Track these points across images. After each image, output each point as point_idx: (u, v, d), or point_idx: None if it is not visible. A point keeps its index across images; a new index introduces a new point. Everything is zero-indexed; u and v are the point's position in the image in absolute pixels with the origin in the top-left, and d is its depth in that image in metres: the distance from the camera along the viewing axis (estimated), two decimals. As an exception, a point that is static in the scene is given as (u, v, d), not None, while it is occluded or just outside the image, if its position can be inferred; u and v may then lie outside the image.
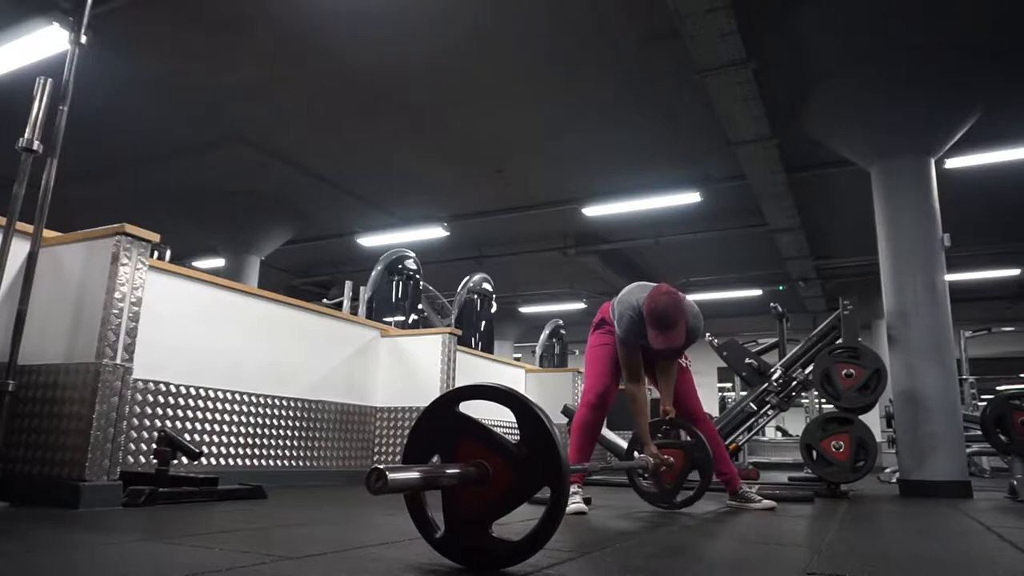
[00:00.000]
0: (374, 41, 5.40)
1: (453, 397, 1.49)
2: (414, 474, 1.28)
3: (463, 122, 6.75)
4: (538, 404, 1.40)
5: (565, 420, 5.08)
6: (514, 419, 1.38)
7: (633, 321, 2.73)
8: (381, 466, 1.18)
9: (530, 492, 1.36)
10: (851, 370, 4.40)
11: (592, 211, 8.45)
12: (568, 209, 8.55)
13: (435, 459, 1.47)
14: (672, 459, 2.94)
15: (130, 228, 2.51)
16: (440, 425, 1.47)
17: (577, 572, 1.40)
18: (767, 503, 3.03)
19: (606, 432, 5.22)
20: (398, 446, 4.40)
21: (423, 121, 6.75)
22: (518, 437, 1.38)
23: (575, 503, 2.62)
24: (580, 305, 13.23)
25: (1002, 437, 4.73)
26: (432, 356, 4.40)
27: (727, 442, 5.02)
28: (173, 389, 3.19)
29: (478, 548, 1.39)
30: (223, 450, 3.43)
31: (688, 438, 3.09)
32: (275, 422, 3.76)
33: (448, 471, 1.35)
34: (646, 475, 3.04)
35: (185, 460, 2.99)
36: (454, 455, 1.42)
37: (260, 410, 3.67)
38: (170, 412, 3.16)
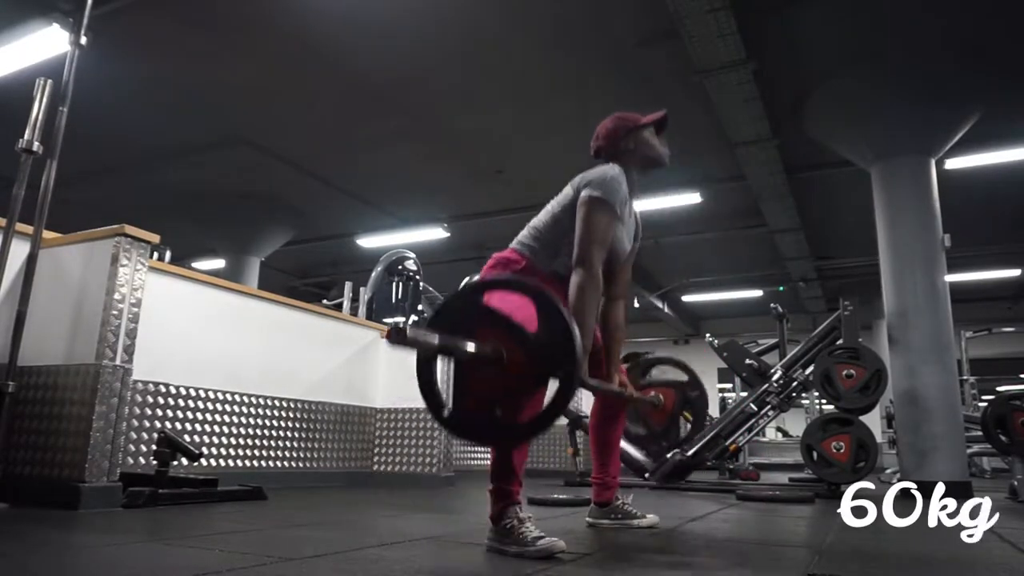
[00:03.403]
0: (374, 42, 5.40)
1: (478, 287, 1.57)
2: (433, 337, 1.37)
3: (463, 122, 6.75)
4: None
5: (565, 421, 5.07)
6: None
7: (617, 180, 2.02)
8: (402, 324, 1.27)
9: (542, 376, 1.44)
10: (851, 371, 4.40)
11: (592, 211, 8.43)
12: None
13: None
14: (662, 397, 2.65)
15: (130, 229, 2.51)
16: (462, 310, 1.55)
17: (575, 573, 1.40)
18: (651, 518, 2.30)
19: (621, 443, 5.21)
20: (398, 447, 4.40)
21: (423, 121, 6.75)
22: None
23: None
24: (580, 305, 13.20)
25: (1003, 438, 4.72)
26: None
27: (727, 443, 5.02)
28: (173, 390, 3.19)
29: (484, 427, 1.47)
30: (223, 451, 3.43)
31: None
32: (275, 423, 3.76)
33: (466, 344, 1.42)
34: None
35: (185, 461, 2.99)
36: (474, 336, 1.47)
37: (260, 411, 3.67)
38: (170, 413, 3.16)
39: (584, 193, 1.99)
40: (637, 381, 2.79)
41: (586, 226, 1.94)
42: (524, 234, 2.11)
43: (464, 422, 1.49)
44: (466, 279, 7.33)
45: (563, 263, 2.00)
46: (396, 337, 1.26)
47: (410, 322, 6.37)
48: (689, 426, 3.07)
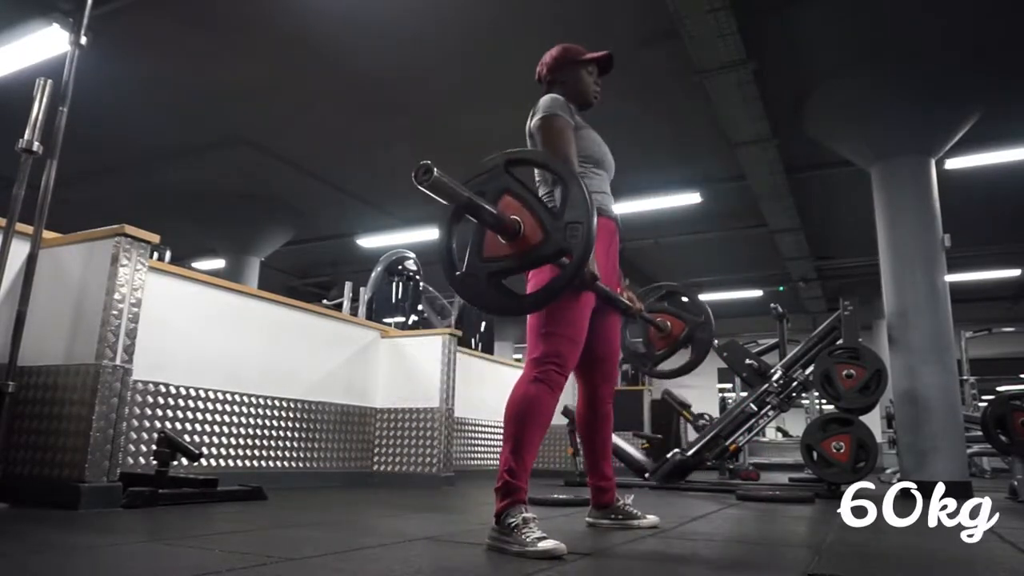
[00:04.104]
0: (374, 42, 5.40)
1: (510, 160, 1.65)
2: (462, 189, 1.49)
3: (463, 122, 6.75)
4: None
5: (566, 421, 5.07)
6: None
7: (553, 98, 2.09)
8: (429, 162, 1.34)
9: (552, 256, 1.53)
10: (851, 371, 4.40)
11: (592, 211, 8.43)
12: (568, 210, 8.53)
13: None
14: (670, 324, 2.62)
15: (130, 229, 2.51)
16: (490, 178, 1.65)
17: (576, 573, 1.40)
18: (652, 519, 2.26)
19: (622, 443, 5.22)
20: (398, 447, 4.40)
21: (423, 121, 6.75)
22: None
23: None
24: (580, 306, 13.21)
25: (1003, 438, 4.72)
26: (432, 357, 4.40)
27: (728, 443, 5.02)
28: (173, 390, 3.19)
29: (491, 293, 1.57)
30: (223, 451, 3.43)
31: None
32: (275, 423, 3.76)
33: (491, 208, 1.53)
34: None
35: (185, 461, 2.99)
36: (494, 207, 1.58)
37: (260, 411, 3.67)
38: (170, 413, 3.16)
39: (533, 123, 2.09)
40: (651, 303, 2.81)
41: (546, 139, 2.02)
42: None
43: (473, 285, 1.59)
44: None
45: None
46: (422, 175, 1.37)
47: (410, 322, 6.38)
48: (689, 427, 3.06)
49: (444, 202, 1.53)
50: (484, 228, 1.60)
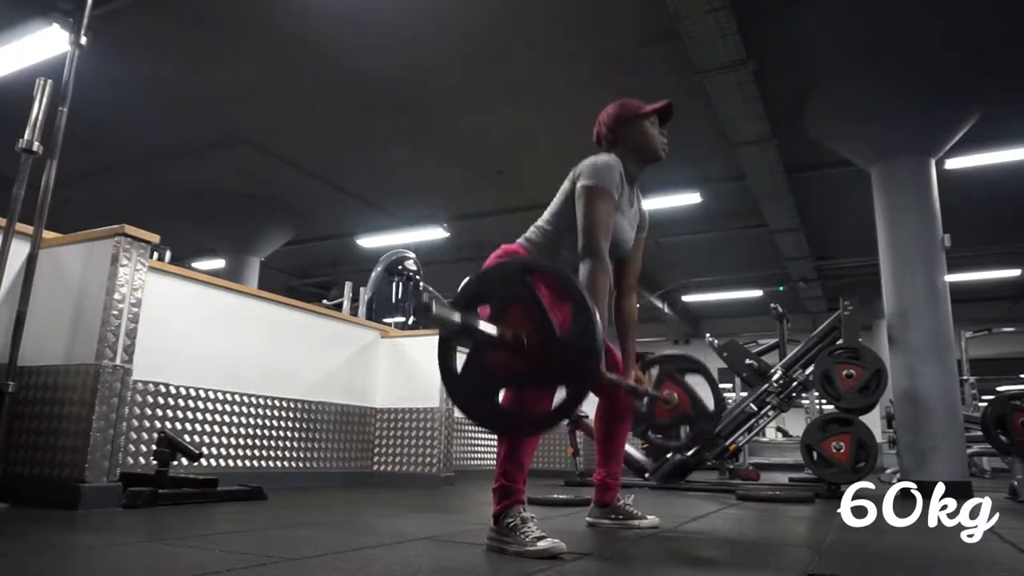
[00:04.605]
0: (374, 42, 5.40)
1: (527, 267, 1.52)
2: (457, 317, 1.38)
3: (463, 123, 6.75)
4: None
5: (565, 421, 5.07)
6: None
7: (610, 166, 2.01)
8: (428, 299, 1.26)
9: (552, 382, 1.44)
10: (852, 371, 4.40)
11: (592, 212, 8.43)
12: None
13: (482, 310, 1.54)
14: (677, 398, 2.55)
15: (130, 229, 2.51)
16: (503, 283, 1.52)
17: (576, 573, 1.40)
18: (652, 519, 2.25)
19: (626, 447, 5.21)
20: (398, 447, 4.40)
21: (423, 122, 6.75)
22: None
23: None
24: (580, 306, 13.21)
25: (1003, 438, 4.72)
26: (432, 357, 4.37)
27: (727, 443, 5.02)
28: (173, 390, 3.19)
29: (488, 411, 1.48)
30: (223, 451, 3.43)
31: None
32: (275, 423, 3.76)
33: (487, 329, 1.43)
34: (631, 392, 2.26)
35: (185, 461, 2.99)
36: (500, 314, 1.48)
37: (260, 411, 3.67)
38: (170, 413, 3.16)
39: (579, 183, 1.99)
40: (664, 370, 2.70)
41: (587, 215, 1.93)
42: (529, 231, 2.12)
43: (470, 401, 1.51)
44: (466, 279, 7.33)
45: (564, 258, 1.99)
46: (422, 314, 1.29)
47: (410, 322, 6.37)
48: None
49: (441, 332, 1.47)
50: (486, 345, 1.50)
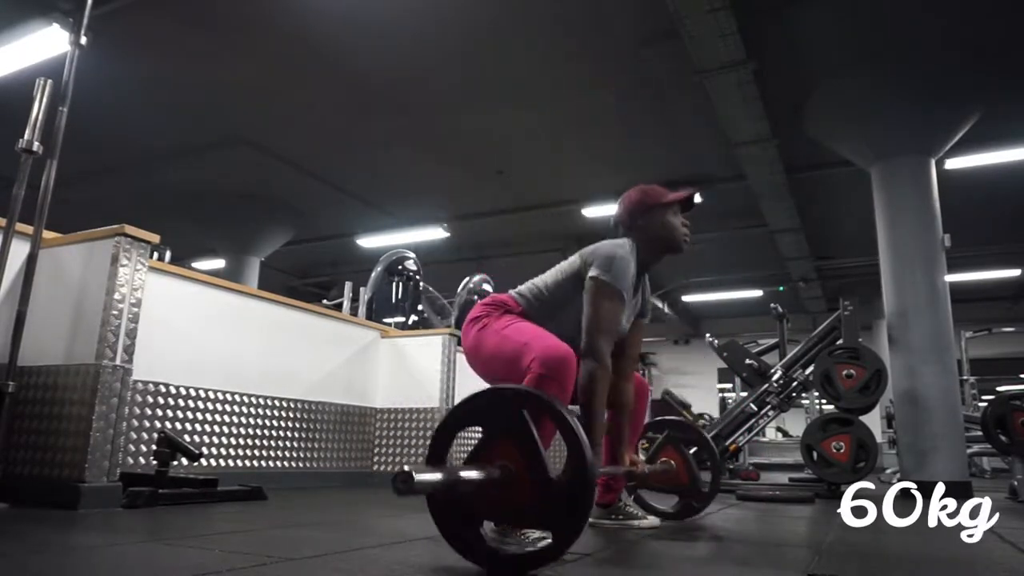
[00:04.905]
0: (374, 42, 5.40)
1: (525, 400, 1.44)
2: (437, 476, 1.27)
3: (463, 123, 6.75)
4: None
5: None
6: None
7: (626, 261, 1.97)
8: (408, 469, 1.18)
9: (537, 525, 1.38)
10: (852, 371, 4.40)
11: (592, 212, 8.45)
12: (568, 210, 8.55)
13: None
14: (673, 463, 2.56)
15: (130, 229, 2.51)
16: (497, 412, 1.45)
17: (576, 573, 1.40)
18: (652, 520, 2.30)
19: None
20: (398, 447, 4.39)
21: (423, 122, 6.75)
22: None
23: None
24: (580, 306, 13.22)
25: (1003, 438, 4.72)
26: (432, 357, 4.40)
27: (727, 443, 5.02)
28: (173, 390, 3.19)
29: (471, 543, 1.41)
30: (223, 451, 3.43)
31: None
32: (275, 423, 3.76)
33: (471, 477, 1.34)
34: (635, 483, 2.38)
35: (185, 461, 2.98)
36: (491, 443, 1.42)
37: (260, 411, 3.67)
38: (170, 413, 3.16)
39: (592, 273, 1.95)
40: (666, 441, 2.70)
41: (594, 313, 1.91)
42: (525, 287, 2.10)
43: (449, 526, 1.45)
44: (466, 279, 7.35)
45: (555, 328, 1.95)
46: (404, 486, 1.17)
47: (410, 322, 6.37)
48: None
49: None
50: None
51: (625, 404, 2.18)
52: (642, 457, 2.45)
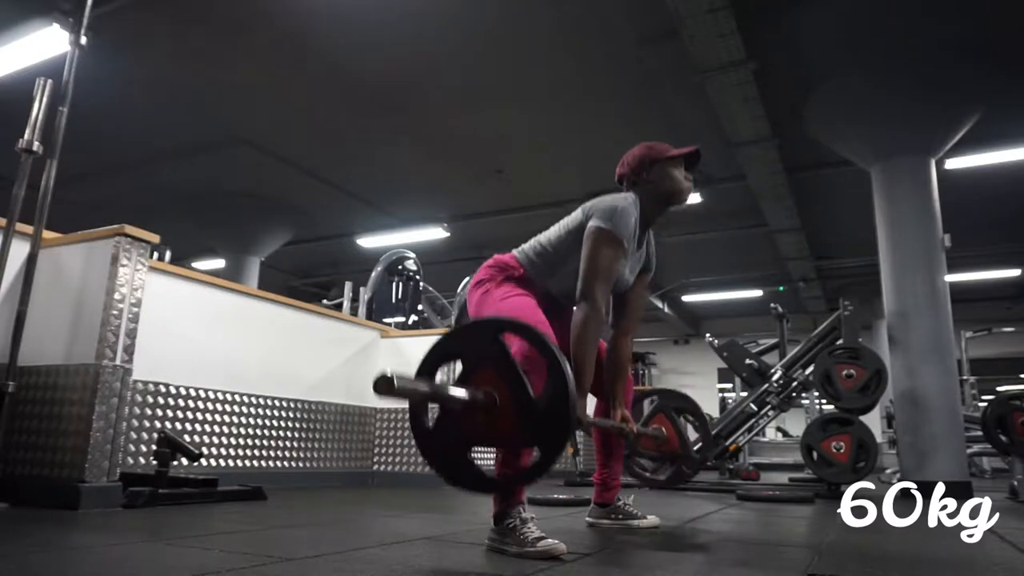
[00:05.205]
0: (374, 42, 5.40)
1: (500, 327, 1.51)
2: (423, 386, 1.35)
3: (463, 123, 6.75)
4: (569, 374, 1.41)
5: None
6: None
7: (628, 212, 1.98)
8: (390, 373, 1.22)
9: (524, 444, 1.44)
10: (852, 371, 4.40)
11: (592, 212, 8.42)
12: (568, 210, 8.42)
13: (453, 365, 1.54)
14: (665, 432, 2.56)
15: (130, 229, 2.51)
16: (475, 342, 1.51)
17: (576, 573, 1.40)
18: (652, 519, 2.26)
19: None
20: (398, 447, 4.40)
21: (423, 122, 6.75)
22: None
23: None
24: (580, 306, 13.23)
25: (1003, 437, 4.73)
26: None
27: (727, 443, 5.02)
28: (173, 390, 3.19)
29: (460, 468, 1.47)
30: (223, 451, 3.43)
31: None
32: (275, 423, 3.76)
33: (456, 394, 1.40)
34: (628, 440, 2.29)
35: (185, 461, 2.99)
36: (473, 372, 1.47)
37: (260, 411, 3.67)
38: (170, 413, 3.16)
39: (592, 223, 1.97)
40: (657, 409, 2.70)
41: (591, 259, 1.93)
42: (528, 245, 2.11)
43: (440, 455, 1.49)
44: (466, 279, 7.34)
45: (556, 284, 1.99)
46: (383, 387, 1.22)
47: (410, 322, 6.38)
48: (689, 427, 3.03)
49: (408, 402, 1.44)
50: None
51: (622, 361, 2.19)
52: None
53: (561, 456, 1.40)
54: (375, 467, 4.43)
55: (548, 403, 1.39)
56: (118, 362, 2.41)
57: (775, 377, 4.98)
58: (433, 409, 1.52)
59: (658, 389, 2.67)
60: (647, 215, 2.15)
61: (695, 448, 2.54)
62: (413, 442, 4.43)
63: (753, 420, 5.07)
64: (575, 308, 1.91)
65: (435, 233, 9.45)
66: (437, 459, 1.47)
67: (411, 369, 1.56)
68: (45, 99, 2.60)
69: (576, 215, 2.07)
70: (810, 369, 4.86)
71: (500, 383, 1.42)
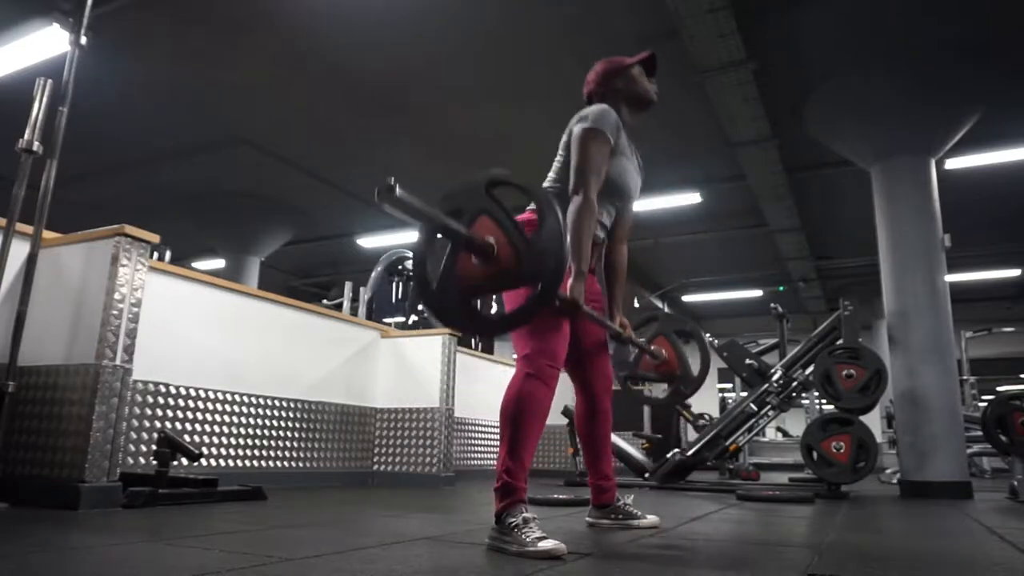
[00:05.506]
0: (374, 41, 5.40)
1: (491, 180, 1.62)
2: (424, 205, 1.45)
3: (463, 123, 6.75)
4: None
5: (565, 421, 5.07)
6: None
7: (605, 110, 2.08)
8: (393, 182, 1.32)
9: (521, 281, 1.55)
10: (852, 371, 4.40)
11: (592, 212, 8.42)
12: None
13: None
14: (665, 354, 2.56)
15: (130, 229, 2.51)
16: (470, 197, 1.61)
17: (576, 573, 1.40)
18: (652, 519, 2.25)
19: (622, 443, 5.22)
20: (398, 447, 4.40)
21: (423, 121, 6.75)
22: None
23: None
24: (580, 306, 13.22)
25: (1003, 438, 4.73)
26: (432, 357, 4.40)
27: (727, 443, 5.02)
28: (173, 390, 3.19)
29: (462, 312, 1.58)
30: (223, 451, 3.43)
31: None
32: (275, 423, 3.76)
33: (456, 226, 1.51)
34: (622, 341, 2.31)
35: (185, 461, 2.99)
36: (470, 226, 1.57)
37: (260, 411, 3.67)
38: (170, 413, 3.16)
39: (575, 127, 2.07)
40: (658, 326, 2.71)
41: (580, 155, 2.00)
42: (548, 181, 2.19)
43: (444, 303, 1.59)
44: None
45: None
46: (385, 194, 1.31)
47: (410, 322, 6.38)
48: (689, 427, 3.04)
49: (413, 221, 1.51)
50: (458, 248, 1.59)
51: (619, 266, 2.30)
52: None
53: (557, 291, 1.52)
54: (375, 467, 4.43)
55: (543, 238, 1.52)
56: (118, 362, 2.41)
57: (775, 377, 4.98)
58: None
59: (659, 312, 2.71)
60: (624, 122, 2.22)
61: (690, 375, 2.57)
62: (413, 440, 4.37)
63: (753, 420, 5.06)
64: (570, 202, 1.98)
65: (435, 233, 9.44)
66: (442, 310, 1.59)
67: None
68: (45, 99, 2.60)
69: (564, 140, 2.16)
70: (810, 369, 4.85)
71: (497, 230, 1.54)
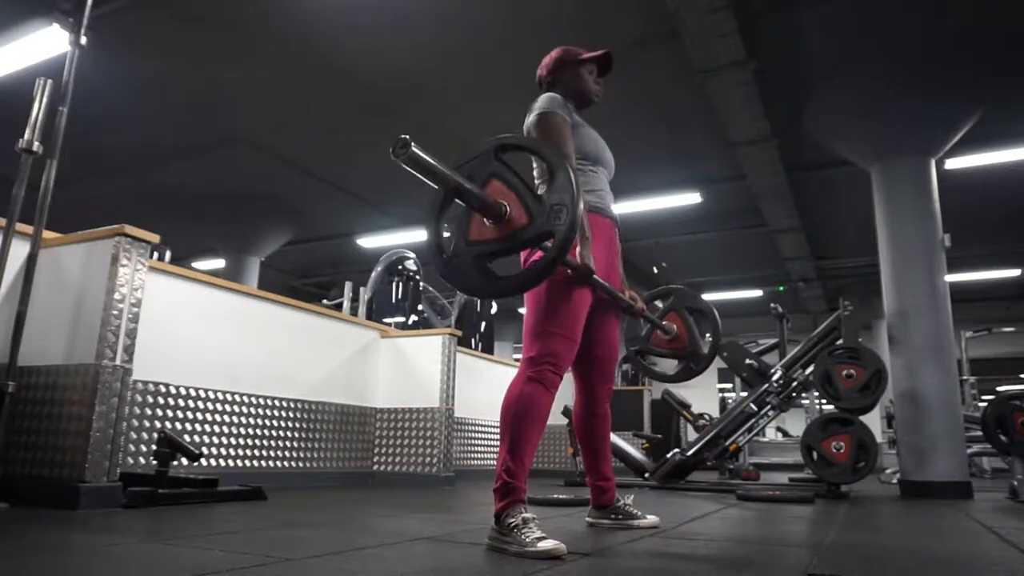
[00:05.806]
0: (374, 42, 5.40)
1: (501, 145, 1.66)
2: (437, 165, 1.48)
3: (463, 123, 6.75)
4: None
5: (565, 421, 5.07)
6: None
7: (551, 96, 2.13)
8: (407, 136, 1.36)
9: (536, 239, 1.57)
10: (852, 371, 4.40)
11: (592, 211, 8.42)
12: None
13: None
14: (676, 330, 2.55)
15: (130, 229, 2.51)
16: (480, 162, 1.65)
17: (576, 573, 1.40)
18: (652, 519, 2.25)
19: (622, 443, 5.22)
20: (398, 447, 4.40)
21: (423, 121, 6.75)
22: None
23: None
24: (580, 306, 13.21)
25: (1003, 438, 4.72)
26: (432, 357, 4.40)
27: (727, 443, 5.02)
28: (173, 390, 3.19)
29: (475, 275, 1.61)
30: (223, 451, 3.43)
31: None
32: (275, 423, 3.76)
33: (469, 185, 1.54)
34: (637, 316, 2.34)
35: (185, 461, 2.99)
36: (482, 190, 1.60)
37: (260, 411, 3.67)
38: (170, 413, 3.16)
39: (530, 119, 2.11)
40: (669, 303, 2.72)
41: (542, 131, 2.04)
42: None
43: (458, 267, 1.62)
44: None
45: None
46: (400, 149, 1.34)
47: (410, 322, 6.38)
48: (689, 427, 3.04)
49: (426, 181, 1.53)
50: (471, 211, 1.62)
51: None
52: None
53: (573, 239, 1.55)
54: (375, 467, 4.43)
55: (556, 193, 1.54)
56: (118, 362, 2.41)
57: (775, 377, 4.98)
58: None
59: (672, 288, 2.72)
60: (570, 113, 2.24)
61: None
62: (413, 440, 4.38)
63: (753, 420, 5.06)
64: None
65: (435, 233, 9.44)
66: (456, 274, 1.62)
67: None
68: (45, 99, 2.60)
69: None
70: (810, 369, 4.85)
71: (507, 192, 1.58)
